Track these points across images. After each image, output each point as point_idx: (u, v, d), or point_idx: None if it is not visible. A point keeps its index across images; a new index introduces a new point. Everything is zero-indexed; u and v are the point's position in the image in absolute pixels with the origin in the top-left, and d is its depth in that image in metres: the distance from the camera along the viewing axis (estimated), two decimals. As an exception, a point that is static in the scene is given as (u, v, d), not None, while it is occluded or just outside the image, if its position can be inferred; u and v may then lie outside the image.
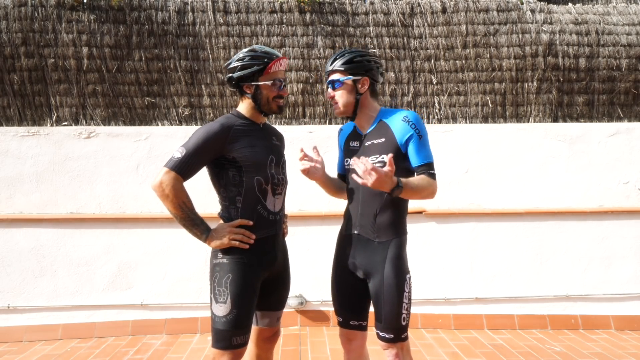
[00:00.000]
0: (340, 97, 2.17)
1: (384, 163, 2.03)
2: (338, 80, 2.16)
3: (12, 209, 4.10)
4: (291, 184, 2.46)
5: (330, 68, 2.19)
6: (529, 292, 4.20)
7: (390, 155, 1.89)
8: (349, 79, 2.15)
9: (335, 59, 2.18)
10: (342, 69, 2.15)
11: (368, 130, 2.21)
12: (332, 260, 2.35)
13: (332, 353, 3.55)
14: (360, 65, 2.15)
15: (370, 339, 2.30)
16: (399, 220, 2.16)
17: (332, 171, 2.51)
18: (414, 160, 2.09)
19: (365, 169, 1.85)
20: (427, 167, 2.09)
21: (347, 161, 2.27)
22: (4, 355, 3.60)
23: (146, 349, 3.70)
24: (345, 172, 2.35)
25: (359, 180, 1.89)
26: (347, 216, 2.28)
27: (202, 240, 2.08)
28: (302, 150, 2.33)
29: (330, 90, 2.20)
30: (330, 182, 2.42)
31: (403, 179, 1.96)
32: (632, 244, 4.24)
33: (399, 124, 2.10)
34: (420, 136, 2.08)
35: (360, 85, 2.16)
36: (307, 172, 2.31)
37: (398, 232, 2.15)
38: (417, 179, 2.05)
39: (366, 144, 2.19)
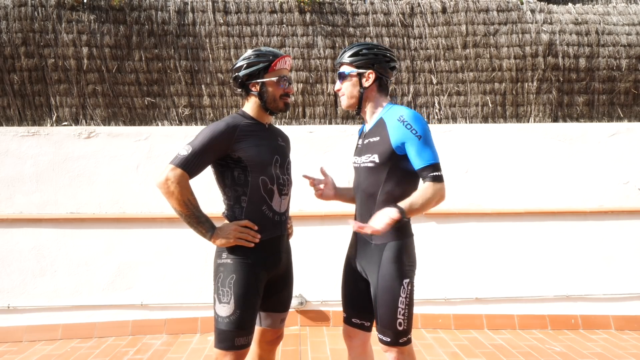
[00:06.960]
0: (345, 89, 2.14)
1: (374, 162, 2.04)
2: (343, 73, 2.13)
3: (12, 209, 4.10)
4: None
5: (338, 60, 2.18)
6: (529, 292, 4.20)
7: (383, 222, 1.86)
8: (354, 72, 2.10)
9: (345, 51, 2.15)
10: (349, 61, 2.11)
11: (370, 127, 2.14)
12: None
13: (332, 353, 3.55)
14: (366, 58, 2.09)
15: (374, 338, 2.29)
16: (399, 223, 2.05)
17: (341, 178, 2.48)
18: (415, 163, 1.96)
19: (359, 228, 1.88)
20: (430, 170, 1.94)
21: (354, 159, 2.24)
22: (4, 355, 3.60)
23: (146, 349, 3.70)
24: None
25: (369, 231, 1.90)
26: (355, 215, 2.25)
27: (207, 238, 2.07)
28: (307, 177, 2.35)
29: (337, 82, 2.17)
30: (348, 194, 2.39)
31: (403, 204, 1.90)
32: (632, 244, 4.24)
33: (394, 123, 1.99)
34: (418, 137, 1.93)
35: (365, 79, 2.10)
36: (320, 195, 2.33)
37: (397, 235, 2.04)
38: (419, 193, 1.95)
39: (365, 142, 2.13)
